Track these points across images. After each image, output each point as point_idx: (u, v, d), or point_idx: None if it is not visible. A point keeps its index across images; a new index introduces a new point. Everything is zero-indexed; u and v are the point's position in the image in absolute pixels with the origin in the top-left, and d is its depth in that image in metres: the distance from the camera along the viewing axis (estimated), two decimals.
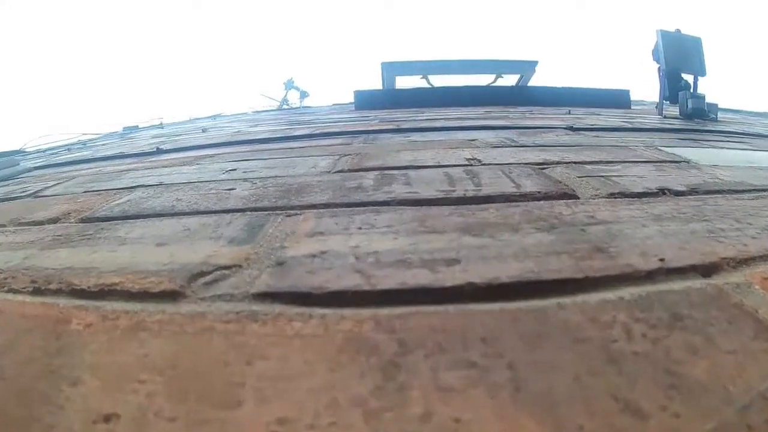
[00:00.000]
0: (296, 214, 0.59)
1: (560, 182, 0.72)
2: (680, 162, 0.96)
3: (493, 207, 0.59)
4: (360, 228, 0.52)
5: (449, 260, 0.42)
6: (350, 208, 0.61)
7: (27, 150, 2.51)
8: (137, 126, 3.54)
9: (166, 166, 1.15)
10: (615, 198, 0.64)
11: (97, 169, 1.25)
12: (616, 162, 0.92)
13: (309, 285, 0.38)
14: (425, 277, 0.39)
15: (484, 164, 0.89)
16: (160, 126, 3.47)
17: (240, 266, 0.44)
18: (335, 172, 0.87)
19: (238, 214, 0.62)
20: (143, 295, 0.40)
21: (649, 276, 0.40)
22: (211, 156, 1.29)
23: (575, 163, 0.90)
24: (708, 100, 2.40)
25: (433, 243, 0.46)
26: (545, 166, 0.85)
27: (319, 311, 0.35)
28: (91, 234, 0.59)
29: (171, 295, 0.40)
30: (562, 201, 0.62)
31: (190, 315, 0.37)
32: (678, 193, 0.68)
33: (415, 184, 0.73)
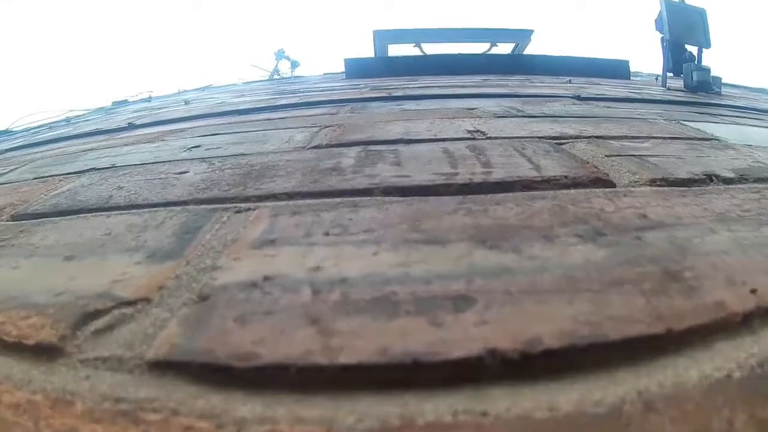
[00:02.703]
0: (248, 209, 0.45)
1: (587, 163, 0.58)
2: (711, 140, 0.82)
3: (510, 199, 0.44)
4: (327, 234, 0.37)
5: (458, 298, 0.27)
6: (319, 200, 0.46)
7: (14, 130, 2.35)
8: (126, 100, 3.33)
9: (128, 144, 0.99)
10: (660, 186, 0.50)
11: (62, 150, 1.09)
12: (642, 137, 0.78)
13: (233, 349, 0.23)
14: (419, 334, 0.24)
15: (489, 137, 0.74)
16: (148, 99, 3.26)
17: (149, 301, 0.30)
18: (310, 148, 0.72)
19: (178, 208, 0.48)
20: (16, 349, 0.28)
21: (747, 322, 0.26)
22: (181, 130, 1.13)
23: (597, 137, 0.75)
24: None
25: (432, 263, 0.32)
26: (563, 141, 0.71)
27: (239, 409, 0.20)
28: (7, 239, 0.45)
29: (47, 352, 0.27)
30: (598, 190, 0.47)
31: (55, 399, 0.23)
32: (728, 181, 0.54)
33: (407, 163, 0.58)
